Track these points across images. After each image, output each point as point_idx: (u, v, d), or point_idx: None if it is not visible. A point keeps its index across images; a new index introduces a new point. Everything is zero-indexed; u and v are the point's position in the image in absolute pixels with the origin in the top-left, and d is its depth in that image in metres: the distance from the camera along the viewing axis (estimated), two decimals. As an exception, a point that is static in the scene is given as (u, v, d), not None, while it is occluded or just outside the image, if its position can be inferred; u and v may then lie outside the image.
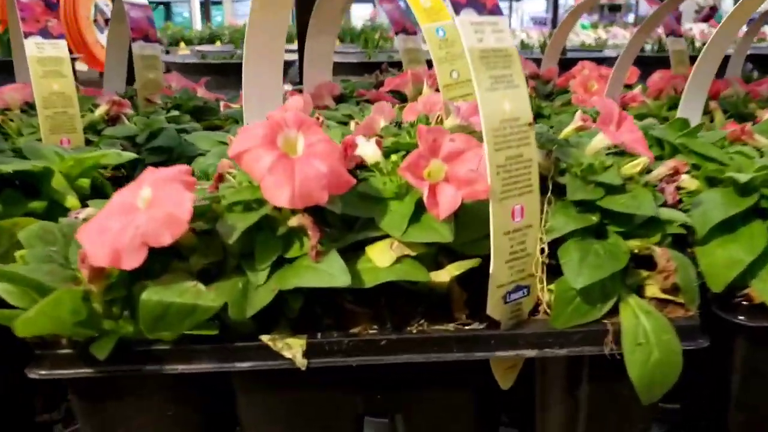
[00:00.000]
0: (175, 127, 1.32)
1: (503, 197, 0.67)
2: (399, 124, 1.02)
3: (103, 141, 1.25)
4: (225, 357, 0.68)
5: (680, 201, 0.80)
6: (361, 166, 0.83)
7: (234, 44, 3.64)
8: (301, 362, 0.67)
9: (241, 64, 1.03)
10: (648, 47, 3.30)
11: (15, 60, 1.65)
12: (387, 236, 0.69)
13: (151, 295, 0.63)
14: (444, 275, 0.65)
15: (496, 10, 0.69)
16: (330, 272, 0.64)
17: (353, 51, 2.76)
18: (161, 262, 0.70)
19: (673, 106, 1.57)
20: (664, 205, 0.78)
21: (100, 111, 1.36)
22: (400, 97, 1.73)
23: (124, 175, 1.21)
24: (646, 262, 0.75)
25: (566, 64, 2.51)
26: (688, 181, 0.84)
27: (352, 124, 1.24)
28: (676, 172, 0.75)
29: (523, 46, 3.57)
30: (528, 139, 0.69)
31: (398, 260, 0.67)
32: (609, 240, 0.73)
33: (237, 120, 1.49)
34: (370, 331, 0.69)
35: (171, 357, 0.68)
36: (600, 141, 0.83)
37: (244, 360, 0.68)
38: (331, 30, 1.52)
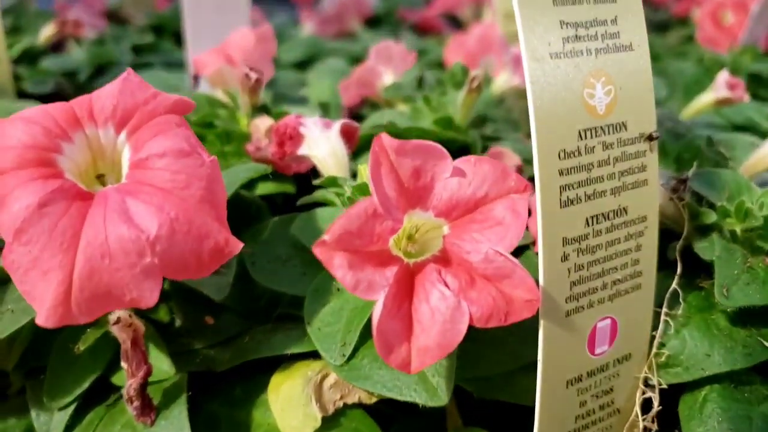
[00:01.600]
0: (133, 62, 0.96)
1: (573, 309, 0.29)
2: (420, 80, 0.63)
3: (33, 77, 0.92)
4: None
5: None
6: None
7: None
8: None
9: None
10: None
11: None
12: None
13: None
14: None
15: None
16: (159, 461, 0.29)
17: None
18: None
19: None
20: None
21: (45, 34, 1.02)
22: (457, 24, 1.31)
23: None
24: None
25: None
26: None
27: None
28: None
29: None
30: (644, 170, 0.30)
31: (333, 420, 0.31)
32: (796, 387, 0.34)
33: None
34: None
35: None
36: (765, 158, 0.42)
37: None
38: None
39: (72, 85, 0.92)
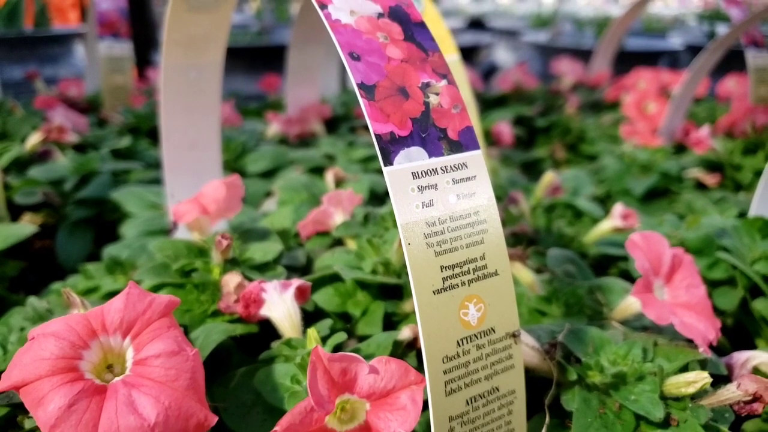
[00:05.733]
0: (115, 168, 1.07)
1: (459, 464, 0.40)
2: (366, 217, 0.74)
3: (22, 188, 1.01)
4: None
5: (755, 415, 0.51)
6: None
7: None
8: None
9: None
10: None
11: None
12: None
13: None
14: None
15: (466, 143, 0.41)
16: None
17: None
18: None
19: (751, 148, 1.24)
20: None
21: (31, 142, 1.11)
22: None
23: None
24: None
25: (621, 58, 2.16)
26: (771, 366, 0.55)
27: (329, 175, 0.97)
28: (755, 399, 0.46)
29: (580, 25, 3.14)
30: (510, 360, 0.41)
31: None
32: (637, 503, 0.45)
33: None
34: None
35: None
36: (633, 305, 0.54)
37: None
38: (319, 37, 1.23)
39: (58, 195, 1.02)
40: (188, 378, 0.40)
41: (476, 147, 0.41)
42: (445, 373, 0.38)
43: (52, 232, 1.00)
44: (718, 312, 0.68)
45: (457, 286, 0.39)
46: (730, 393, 0.46)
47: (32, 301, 0.66)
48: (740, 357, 0.57)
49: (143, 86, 1.76)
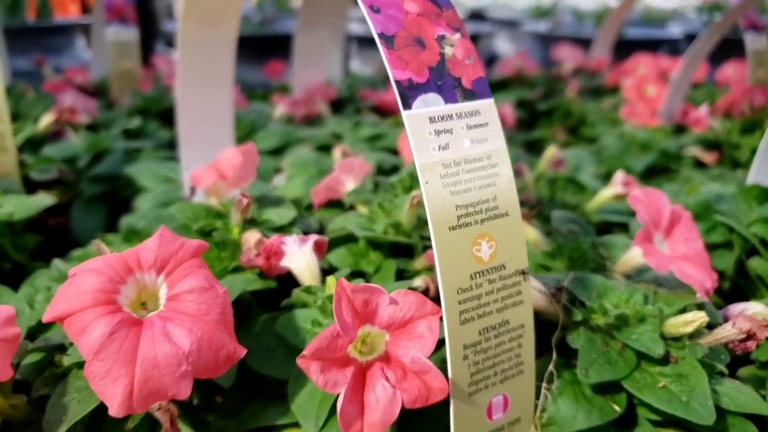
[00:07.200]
0: (127, 146, 1.09)
1: (474, 391, 0.43)
2: (376, 185, 0.77)
3: (37, 165, 1.04)
4: None
5: (748, 359, 0.54)
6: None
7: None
8: None
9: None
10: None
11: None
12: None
13: None
14: None
15: (480, 92, 0.44)
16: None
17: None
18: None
19: (748, 128, 1.27)
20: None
21: (44, 122, 1.14)
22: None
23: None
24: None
25: (621, 46, 2.18)
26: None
27: (336, 152, 1.00)
28: (749, 337, 0.49)
29: (579, 17, 3.16)
30: (519, 295, 0.44)
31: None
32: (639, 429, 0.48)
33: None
34: None
35: None
36: (634, 258, 0.57)
37: None
38: (324, 21, 1.25)
39: (72, 172, 1.05)
40: (219, 313, 0.43)
41: (489, 96, 0.44)
42: (459, 303, 0.41)
43: (66, 210, 1.03)
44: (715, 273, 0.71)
45: (471, 224, 0.42)
46: (726, 331, 0.49)
47: (57, 263, 0.69)
48: (736, 308, 0.60)
49: (149, 73, 1.78)
